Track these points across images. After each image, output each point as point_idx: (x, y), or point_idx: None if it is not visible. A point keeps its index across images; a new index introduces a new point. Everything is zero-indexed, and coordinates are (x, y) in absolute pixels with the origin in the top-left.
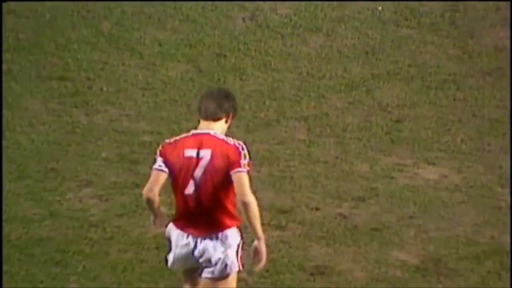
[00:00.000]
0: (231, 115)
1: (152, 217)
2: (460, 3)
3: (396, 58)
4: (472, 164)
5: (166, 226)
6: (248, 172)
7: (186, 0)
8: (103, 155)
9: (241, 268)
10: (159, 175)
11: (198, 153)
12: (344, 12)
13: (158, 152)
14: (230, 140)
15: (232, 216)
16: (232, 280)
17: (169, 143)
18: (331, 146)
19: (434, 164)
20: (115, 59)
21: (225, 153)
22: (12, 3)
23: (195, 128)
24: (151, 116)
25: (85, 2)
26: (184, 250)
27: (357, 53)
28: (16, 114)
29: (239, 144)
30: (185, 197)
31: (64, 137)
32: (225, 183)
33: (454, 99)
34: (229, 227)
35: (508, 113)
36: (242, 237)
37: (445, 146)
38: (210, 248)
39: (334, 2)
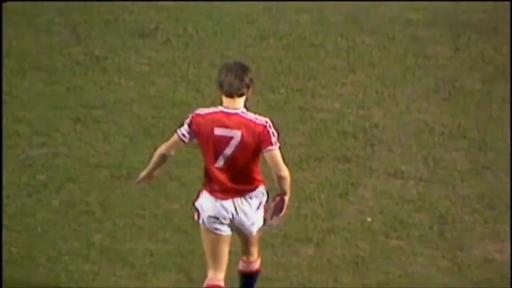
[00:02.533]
0: (251, 88)
1: (142, 174)
2: (449, 215)
3: (387, 268)
4: None
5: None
6: (279, 147)
7: None
8: None
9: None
10: (179, 143)
11: (228, 133)
12: (334, 223)
13: (188, 120)
14: (258, 119)
15: (258, 179)
16: (258, 234)
17: (200, 115)
18: None
19: None
20: (106, 270)
21: (255, 132)
22: (4, 218)
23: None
24: None
25: (76, 216)
26: (221, 213)
27: (347, 263)
28: None
29: (266, 122)
30: (215, 169)
31: None
32: (253, 156)
33: None
34: (256, 187)
35: None
36: (267, 194)
37: None
38: (243, 208)
39: (323, 214)
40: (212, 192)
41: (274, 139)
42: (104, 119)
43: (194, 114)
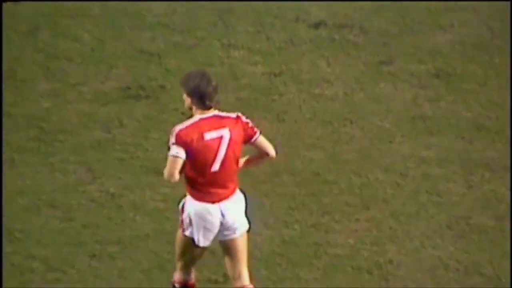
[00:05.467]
0: None
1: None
2: None
3: None
4: None
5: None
6: (260, 132)
7: None
8: None
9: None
10: (177, 161)
11: (217, 134)
12: None
13: (173, 140)
14: (231, 114)
15: (237, 181)
16: (246, 237)
17: (182, 130)
18: None
19: None
20: None
21: (238, 127)
22: None
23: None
24: None
25: None
26: (212, 220)
27: None
28: None
29: (239, 114)
30: (210, 174)
31: None
32: (239, 152)
33: None
34: (236, 189)
35: None
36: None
37: None
38: (232, 210)
39: None
40: (203, 199)
41: (253, 127)
42: (120, 255)
43: (176, 132)
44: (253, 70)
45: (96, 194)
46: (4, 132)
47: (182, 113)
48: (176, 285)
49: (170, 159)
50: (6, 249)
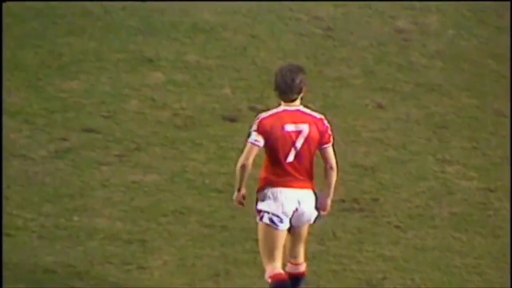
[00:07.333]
0: (304, 87)
1: (236, 193)
2: None
3: None
4: None
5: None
6: (333, 144)
7: None
8: None
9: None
10: (254, 149)
11: (297, 128)
12: None
13: (255, 127)
14: (316, 114)
15: (313, 178)
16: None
17: (265, 118)
18: None
19: None
20: None
21: (318, 127)
22: None
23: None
24: None
25: None
26: (288, 202)
27: None
28: None
29: (323, 117)
30: (286, 164)
31: None
32: (314, 150)
33: None
34: (312, 186)
35: None
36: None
37: None
38: (307, 200)
39: None
40: (280, 184)
41: (331, 135)
42: None
43: (259, 120)
44: (468, 185)
45: None
46: (220, 244)
47: (396, 226)
48: (269, 280)
49: (248, 145)
50: None
